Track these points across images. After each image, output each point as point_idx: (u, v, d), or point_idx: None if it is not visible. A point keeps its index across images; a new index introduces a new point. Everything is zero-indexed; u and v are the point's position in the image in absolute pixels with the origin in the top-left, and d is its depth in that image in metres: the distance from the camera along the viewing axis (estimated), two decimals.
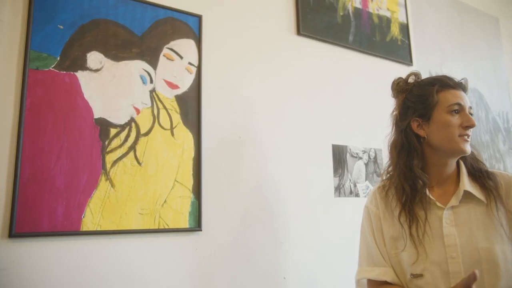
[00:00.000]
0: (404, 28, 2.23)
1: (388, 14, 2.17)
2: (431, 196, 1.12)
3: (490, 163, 2.50)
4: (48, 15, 1.27)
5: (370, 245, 1.20)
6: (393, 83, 1.25)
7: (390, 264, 1.16)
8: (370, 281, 1.18)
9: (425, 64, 2.27)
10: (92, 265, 1.22)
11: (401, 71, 2.16)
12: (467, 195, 1.11)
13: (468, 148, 1.10)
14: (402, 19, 2.23)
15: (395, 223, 1.15)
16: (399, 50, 2.18)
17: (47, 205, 1.18)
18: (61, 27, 1.28)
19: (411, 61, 2.21)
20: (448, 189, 1.14)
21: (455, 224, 1.09)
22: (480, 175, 1.13)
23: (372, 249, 1.19)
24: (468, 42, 2.63)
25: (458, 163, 1.16)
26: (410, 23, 2.28)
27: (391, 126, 1.23)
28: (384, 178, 1.23)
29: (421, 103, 1.15)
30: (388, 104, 2.05)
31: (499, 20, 2.90)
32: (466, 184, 1.11)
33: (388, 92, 2.07)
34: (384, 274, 1.15)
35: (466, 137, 1.10)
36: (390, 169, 1.21)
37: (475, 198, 1.10)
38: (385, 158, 1.98)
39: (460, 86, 1.15)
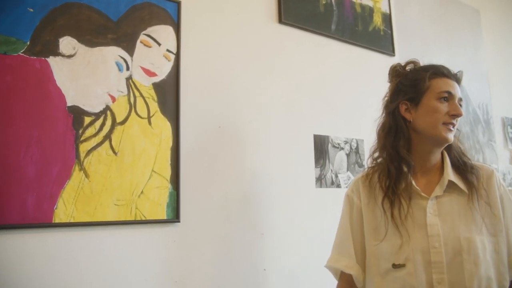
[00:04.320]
0: (387, 18, 2.22)
1: (370, 3, 2.16)
2: (416, 186, 1.12)
3: (470, 154, 2.52)
4: None
5: (345, 235, 1.20)
6: (390, 67, 1.24)
7: (359, 259, 1.16)
8: (339, 271, 1.19)
9: (408, 54, 2.25)
10: (65, 259, 1.18)
11: (383, 61, 2.16)
12: (451, 185, 1.11)
13: (450, 137, 1.10)
14: (385, 9, 2.22)
15: (377, 211, 1.15)
16: (381, 40, 2.17)
17: (16, 196, 1.13)
18: (31, 10, 1.23)
19: (393, 51, 2.21)
20: (432, 179, 1.14)
21: (438, 214, 1.10)
22: (464, 167, 1.13)
23: (346, 239, 1.19)
24: (450, 33, 2.64)
25: (442, 154, 1.16)
26: (393, 13, 2.27)
27: (381, 111, 1.22)
28: (369, 163, 1.22)
29: (413, 87, 1.15)
30: (370, 94, 2.05)
31: (480, 13, 2.92)
32: (450, 174, 1.12)
33: (370, 81, 2.08)
34: (350, 267, 1.16)
35: (450, 126, 1.10)
36: (375, 153, 1.20)
37: (457, 188, 1.11)
38: (366, 149, 1.98)
39: (454, 76, 1.16)
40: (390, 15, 2.24)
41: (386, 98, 1.24)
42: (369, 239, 1.16)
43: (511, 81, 3.05)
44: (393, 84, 1.23)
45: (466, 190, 1.11)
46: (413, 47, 2.35)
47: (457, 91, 1.14)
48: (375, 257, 1.14)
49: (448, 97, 1.12)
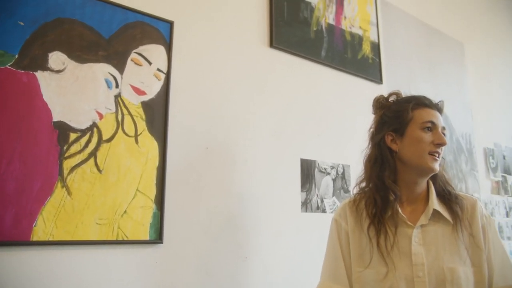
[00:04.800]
0: (376, 47, 2.26)
1: (360, 32, 2.21)
2: (402, 213, 1.12)
3: (453, 183, 2.55)
4: (8, 9, 1.19)
5: (336, 260, 1.19)
6: (374, 99, 1.28)
7: (351, 284, 1.15)
8: None
9: (395, 83, 2.31)
10: (43, 278, 1.13)
11: (371, 88, 2.20)
12: (436, 214, 1.13)
13: (436, 166, 1.13)
14: (374, 38, 2.27)
15: (362, 238, 1.15)
16: (369, 68, 2.21)
17: None
18: (22, 23, 1.22)
19: (381, 79, 2.25)
20: (418, 207, 1.16)
21: (423, 243, 1.11)
22: (448, 197, 1.15)
23: (338, 265, 1.18)
24: (435, 64, 2.71)
25: (428, 184, 1.18)
26: (381, 42, 2.32)
27: (367, 142, 1.25)
28: (355, 192, 1.23)
29: (396, 118, 1.18)
30: (357, 121, 2.07)
31: (463, 45, 3.01)
32: (435, 203, 1.14)
33: (358, 108, 2.10)
34: None
35: (436, 155, 1.12)
36: (362, 182, 1.22)
37: (442, 218, 1.13)
38: (353, 175, 1.99)
39: (436, 106, 1.19)
40: (378, 44, 2.29)
41: (371, 130, 1.27)
42: (354, 266, 1.16)
43: (493, 112, 3.13)
44: (378, 116, 1.26)
45: (450, 220, 1.12)
46: (400, 76, 2.40)
47: (440, 120, 1.17)
48: (359, 284, 1.14)
49: (432, 126, 1.15)
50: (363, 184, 1.23)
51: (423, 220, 1.13)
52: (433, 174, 1.15)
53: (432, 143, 1.13)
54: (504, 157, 3.09)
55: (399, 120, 1.18)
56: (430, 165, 1.12)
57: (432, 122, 1.15)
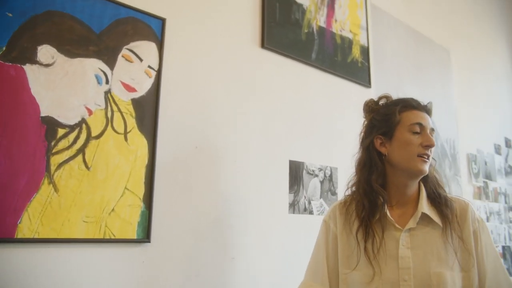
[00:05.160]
0: (365, 51, 2.28)
1: (350, 35, 2.22)
2: (390, 217, 1.13)
3: (445, 185, 2.60)
4: None
5: (320, 261, 1.20)
6: (364, 103, 1.28)
7: (333, 285, 1.16)
8: None
9: (383, 87, 2.33)
10: (27, 276, 1.11)
11: (359, 92, 2.22)
12: (425, 217, 1.13)
13: (425, 168, 1.13)
14: (363, 42, 2.29)
15: (351, 240, 1.16)
16: (359, 72, 2.22)
17: None
18: (10, 14, 1.18)
19: (369, 83, 2.27)
20: (407, 210, 1.16)
21: (411, 246, 1.10)
22: (439, 200, 1.15)
23: (321, 265, 1.19)
24: (422, 69, 2.75)
25: (419, 186, 1.18)
26: (371, 46, 2.34)
27: (358, 146, 1.25)
28: (346, 194, 1.24)
29: (385, 121, 1.19)
30: (345, 123, 2.09)
31: (449, 52, 3.06)
32: (425, 206, 1.13)
33: (346, 111, 2.12)
34: None
35: (425, 157, 1.13)
36: (352, 186, 1.22)
37: (432, 221, 1.13)
38: (340, 177, 2.00)
39: (424, 108, 1.19)
40: (368, 48, 2.31)
41: (361, 134, 1.27)
42: (341, 267, 1.16)
43: (476, 119, 3.20)
44: (367, 120, 1.26)
45: (440, 224, 1.12)
46: (388, 80, 2.43)
47: (428, 122, 1.17)
48: (346, 285, 1.14)
49: (420, 128, 1.15)
50: (354, 188, 1.24)
51: (411, 224, 1.13)
52: (423, 176, 1.16)
53: (421, 145, 1.13)
54: (485, 163, 3.15)
55: (387, 123, 1.18)
56: (420, 167, 1.12)
57: (420, 124, 1.15)
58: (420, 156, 1.13)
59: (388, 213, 1.14)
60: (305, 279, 1.22)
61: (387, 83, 2.41)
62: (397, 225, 1.13)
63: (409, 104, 1.19)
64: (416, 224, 1.12)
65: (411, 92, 2.53)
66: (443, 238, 1.11)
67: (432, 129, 1.18)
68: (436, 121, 2.70)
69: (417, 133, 1.14)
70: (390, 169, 1.18)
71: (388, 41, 2.51)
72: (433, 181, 1.20)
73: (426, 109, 1.21)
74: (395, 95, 1.29)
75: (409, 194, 1.17)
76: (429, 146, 1.13)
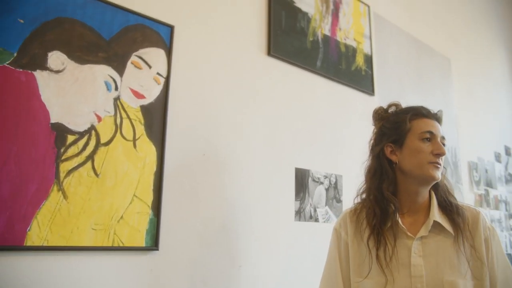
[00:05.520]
0: (368, 59, 2.30)
1: (354, 44, 2.24)
2: (402, 225, 1.12)
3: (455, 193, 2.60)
4: (7, 6, 1.16)
5: (333, 270, 1.19)
6: (373, 111, 1.28)
7: None
8: None
9: (386, 95, 2.34)
10: (36, 284, 1.09)
11: (363, 100, 2.22)
12: (437, 225, 1.13)
13: (437, 175, 1.13)
14: (367, 50, 2.30)
15: (362, 248, 1.15)
16: (362, 80, 2.23)
17: None
18: (22, 21, 1.18)
19: (373, 91, 2.28)
20: (419, 218, 1.16)
21: (423, 254, 1.10)
22: (450, 208, 1.15)
23: (335, 275, 1.18)
24: (423, 77, 2.76)
25: (430, 194, 1.18)
26: (374, 55, 2.36)
27: (368, 154, 1.25)
28: (355, 201, 1.23)
29: (395, 129, 1.19)
30: (350, 131, 2.09)
31: (450, 61, 3.08)
32: (436, 214, 1.13)
33: (350, 119, 2.12)
34: None
35: (437, 164, 1.12)
36: (363, 193, 1.22)
37: (444, 229, 1.12)
38: (345, 185, 2.00)
39: (434, 116, 1.19)
40: (371, 56, 2.32)
41: (371, 141, 1.27)
42: (353, 275, 1.16)
43: (477, 127, 3.21)
44: (377, 128, 1.26)
45: (452, 232, 1.12)
46: (390, 88, 2.44)
47: (439, 130, 1.17)
48: None
49: (430, 136, 1.15)
50: (364, 195, 1.24)
51: (423, 232, 1.13)
52: (434, 183, 1.16)
53: (432, 153, 1.13)
54: (486, 171, 3.16)
55: (397, 131, 1.19)
56: (432, 174, 1.12)
57: (431, 132, 1.15)
58: (432, 163, 1.13)
59: (399, 221, 1.13)
60: None
61: (389, 91, 2.42)
62: (408, 233, 1.13)
63: (420, 112, 1.20)
64: (428, 232, 1.12)
65: (413, 100, 2.54)
66: (455, 247, 1.11)
67: (443, 137, 1.18)
68: None
69: (427, 141, 1.15)
70: (401, 177, 1.18)
71: (390, 50, 2.53)
72: (443, 189, 1.20)
73: (436, 117, 1.21)
74: (419, 105, 1.29)
75: (420, 202, 1.17)
76: (440, 154, 1.13)
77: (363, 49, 2.28)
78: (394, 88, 2.48)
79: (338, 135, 2.05)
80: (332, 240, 1.24)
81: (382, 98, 2.30)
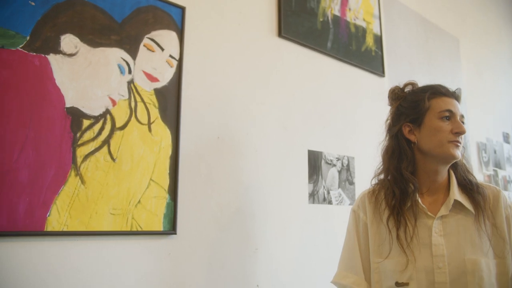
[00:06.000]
0: (378, 40, 2.26)
1: (364, 24, 2.20)
2: (422, 204, 1.12)
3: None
4: None
5: (353, 250, 1.19)
6: (389, 90, 1.26)
7: (367, 276, 1.15)
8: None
9: (396, 75, 2.32)
10: (57, 269, 1.09)
11: (373, 81, 2.20)
12: (457, 204, 1.12)
13: (458, 153, 1.12)
14: (376, 30, 2.27)
15: (381, 228, 1.15)
16: (372, 61, 2.20)
17: (7, 201, 1.04)
18: (33, 3, 1.16)
19: (383, 72, 2.25)
20: (438, 198, 1.15)
21: (444, 234, 1.10)
22: (470, 186, 1.14)
23: (354, 255, 1.18)
24: (432, 58, 2.73)
25: (448, 173, 1.17)
26: (384, 35, 2.32)
27: (384, 134, 1.23)
28: (373, 182, 1.22)
29: (413, 108, 1.17)
30: (361, 112, 2.07)
31: (459, 41, 3.04)
32: (456, 193, 1.12)
33: (361, 101, 2.10)
34: (358, 284, 1.16)
35: (456, 143, 1.11)
36: (380, 174, 1.20)
37: (464, 208, 1.12)
38: (357, 167, 1.99)
39: (453, 94, 1.17)
40: (381, 37, 2.29)
41: (388, 121, 1.25)
42: (372, 256, 1.15)
43: (486, 107, 3.19)
44: (394, 107, 1.24)
45: (472, 210, 1.11)
46: (400, 69, 2.41)
47: (458, 108, 1.16)
48: (378, 274, 1.13)
49: (450, 115, 1.13)
50: (382, 176, 1.23)
51: (443, 211, 1.12)
52: (454, 162, 1.14)
53: (451, 132, 1.11)
54: (495, 152, 3.15)
55: (416, 110, 1.17)
56: (452, 152, 1.11)
57: (450, 111, 1.13)
58: (451, 142, 1.11)
59: (419, 201, 1.13)
60: (339, 269, 1.20)
61: (399, 72, 2.39)
62: (429, 213, 1.12)
63: (438, 91, 1.17)
64: (448, 211, 1.12)
65: (423, 80, 2.52)
66: (476, 225, 1.10)
67: (462, 116, 1.16)
68: None
69: (447, 120, 1.13)
70: (420, 156, 1.16)
71: (399, 30, 2.49)
72: (462, 168, 1.19)
73: (455, 96, 1.19)
74: (437, 83, 1.26)
75: (440, 181, 1.16)
76: (460, 133, 1.12)
77: (372, 30, 2.24)
78: (404, 69, 2.45)
79: (349, 117, 2.03)
80: (350, 221, 1.23)
81: (392, 79, 2.27)
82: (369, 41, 2.21)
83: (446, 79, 2.81)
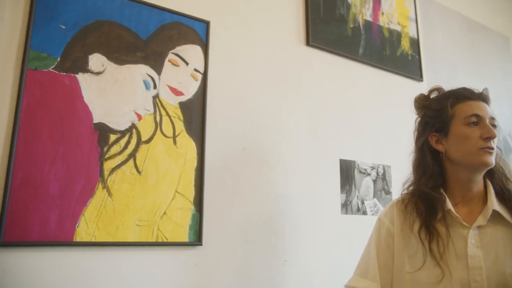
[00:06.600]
0: (415, 43, 2.18)
1: (398, 28, 2.13)
2: (456, 214, 1.05)
3: None
4: (50, 14, 1.21)
5: (370, 257, 1.15)
6: (414, 99, 1.21)
7: (384, 284, 1.10)
8: None
9: (435, 79, 2.21)
10: (85, 279, 1.14)
11: (411, 86, 2.11)
12: (495, 215, 1.04)
13: (491, 160, 1.04)
14: (413, 34, 2.19)
15: (412, 239, 1.09)
16: (409, 65, 2.12)
17: (39, 213, 1.10)
18: (63, 27, 1.23)
19: (421, 76, 2.16)
20: (475, 208, 1.07)
21: (481, 245, 1.02)
22: (509, 197, 1.06)
23: (371, 261, 1.13)
24: (479, 59, 2.58)
25: (485, 182, 1.09)
26: (421, 38, 2.23)
27: (413, 145, 1.18)
28: (403, 193, 1.17)
29: (437, 117, 1.11)
30: (398, 119, 1.99)
31: (509, 40, 2.86)
32: (495, 203, 1.05)
33: (397, 107, 2.03)
34: None
35: (488, 149, 1.03)
36: (409, 186, 1.15)
37: (502, 219, 1.04)
38: (394, 175, 1.91)
39: (480, 96, 1.10)
40: (418, 40, 2.20)
41: (415, 132, 1.20)
42: (402, 266, 1.09)
43: None
44: (420, 117, 1.19)
45: (511, 222, 1.03)
46: (440, 72, 2.31)
47: (486, 111, 1.07)
48: (410, 285, 1.07)
49: (477, 120, 1.06)
50: (411, 188, 1.17)
51: (480, 221, 1.04)
52: (489, 168, 1.07)
53: (481, 137, 1.04)
54: None
55: (440, 119, 1.10)
56: (484, 160, 1.03)
57: (477, 115, 1.06)
58: (483, 148, 1.04)
59: (453, 210, 1.06)
60: (354, 275, 1.17)
61: (439, 75, 2.28)
62: (464, 223, 1.05)
63: (462, 95, 1.10)
64: (486, 222, 1.04)
65: (467, 84, 2.38)
66: None
67: (492, 118, 1.08)
68: (497, 113, 2.52)
69: (474, 125, 1.05)
70: (450, 166, 1.10)
71: (439, 32, 2.38)
72: (500, 175, 1.11)
73: (482, 97, 1.11)
74: (448, 87, 1.20)
75: (475, 190, 1.09)
76: (491, 137, 1.04)
77: (408, 33, 2.16)
78: (445, 73, 2.33)
79: (385, 124, 1.96)
80: (374, 228, 1.19)
81: (431, 83, 2.16)
82: (405, 45, 2.13)
83: (496, 80, 2.64)
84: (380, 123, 1.95)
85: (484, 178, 1.10)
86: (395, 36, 2.11)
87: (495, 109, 2.64)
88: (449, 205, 1.06)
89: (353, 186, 1.77)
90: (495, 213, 1.04)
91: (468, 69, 2.49)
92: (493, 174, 1.11)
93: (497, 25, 2.80)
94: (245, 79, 1.57)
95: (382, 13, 2.08)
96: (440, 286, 1.02)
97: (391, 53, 2.07)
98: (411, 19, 2.20)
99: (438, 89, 1.19)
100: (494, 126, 1.06)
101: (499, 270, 0.99)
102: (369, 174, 1.83)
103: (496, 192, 1.09)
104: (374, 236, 1.17)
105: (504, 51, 2.80)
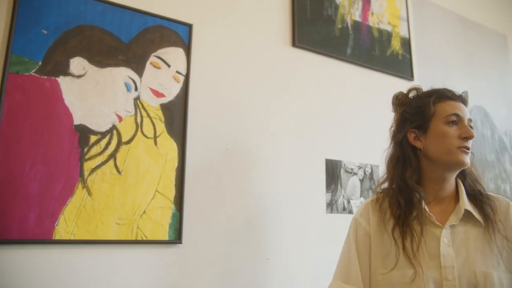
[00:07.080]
0: (406, 43, 2.18)
1: (389, 28, 2.13)
2: (429, 212, 1.06)
3: (496, 183, 2.40)
4: (32, 19, 1.25)
5: (351, 260, 1.14)
6: (393, 96, 1.23)
7: (366, 286, 1.11)
8: None
9: (428, 79, 2.21)
10: (64, 276, 1.17)
11: (401, 85, 2.10)
12: (466, 215, 1.06)
13: (467, 160, 1.06)
14: (404, 33, 2.19)
15: (386, 239, 1.10)
16: (399, 65, 2.13)
17: (18, 212, 1.14)
18: (45, 32, 1.27)
19: (412, 76, 2.16)
20: (446, 207, 1.09)
21: (453, 244, 1.04)
22: (479, 197, 1.08)
23: (352, 265, 1.14)
24: (474, 58, 2.57)
25: (456, 182, 1.11)
26: (413, 37, 2.23)
27: (389, 141, 1.20)
28: (377, 191, 1.18)
29: (418, 114, 1.13)
30: (386, 119, 1.99)
31: (506, 37, 2.83)
32: (466, 203, 1.06)
33: (387, 106, 2.02)
34: None
35: (465, 149, 1.05)
36: (384, 183, 1.17)
37: (473, 219, 1.06)
38: (381, 174, 1.92)
39: (460, 98, 1.12)
40: (409, 39, 2.20)
41: (392, 128, 1.21)
42: (376, 267, 1.10)
43: None
44: (398, 114, 1.21)
45: (482, 222, 1.05)
46: (433, 71, 2.30)
47: (465, 112, 1.11)
48: (383, 286, 1.08)
49: (457, 119, 1.08)
50: (385, 185, 1.18)
51: (453, 220, 1.06)
52: (461, 170, 1.09)
53: (459, 137, 1.06)
54: None
55: (421, 116, 1.12)
56: (461, 159, 1.05)
57: (457, 115, 1.08)
58: (460, 148, 1.06)
59: (427, 209, 1.07)
60: (333, 280, 1.17)
61: (432, 74, 2.28)
62: (437, 222, 1.06)
63: (444, 95, 1.13)
64: (458, 221, 1.05)
65: (462, 83, 2.38)
66: (486, 237, 1.04)
67: (470, 120, 1.11)
68: (492, 112, 2.51)
69: (454, 124, 1.07)
70: (426, 164, 1.11)
71: (431, 31, 2.38)
72: (471, 177, 1.13)
73: (462, 99, 1.14)
74: (442, 86, 1.22)
75: (448, 190, 1.10)
76: (468, 137, 1.06)
77: (399, 33, 2.16)
78: (438, 72, 2.33)
79: (373, 123, 1.97)
80: (350, 229, 1.19)
81: (423, 83, 2.17)
82: (395, 44, 2.14)
83: (491, 80, 2.62)
84: (369, 122, 1.96)
85: (456, 178, 1.12)
86: (385, 36, 2.11)
87: (491, 108, 2.64)
88: (423, 203, 1.08)
89: (339, 186, 1.78)
90: (466, 212, 1.06)
91: (462, 68, 2.48)
92: (465, 175, 1.12)
93: (494, 23, 2.78)
94: (229, 81, 1.60)
95: (372, 13, 2.09)
96: (413, 285, 1.03)
97: (381, 53, 2.07)
98: (402, 18, 2.20)
99: (416, 88, 1.21)
100: (471, 127, 1.08)
101: (469, 268, 1.01)
102: (356, 174, 1.84)
103: (467, 193, 1.10)
104: (352, 237, 1.17)
105: (501, 49, 2.78)
